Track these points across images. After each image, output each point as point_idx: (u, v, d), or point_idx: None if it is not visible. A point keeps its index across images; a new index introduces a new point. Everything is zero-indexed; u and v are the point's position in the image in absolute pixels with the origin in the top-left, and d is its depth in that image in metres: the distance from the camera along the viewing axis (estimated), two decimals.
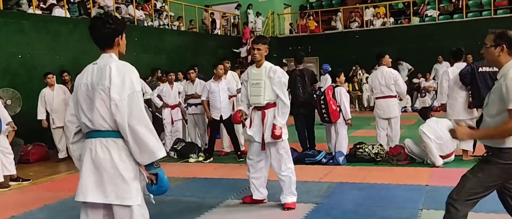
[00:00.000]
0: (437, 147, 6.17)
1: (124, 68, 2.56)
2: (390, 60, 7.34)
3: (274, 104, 4.56)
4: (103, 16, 2.64)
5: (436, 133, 6.19)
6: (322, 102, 6.98)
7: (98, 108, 2.52)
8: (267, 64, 4.59)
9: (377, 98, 7.34)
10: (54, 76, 8.16)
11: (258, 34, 17.30)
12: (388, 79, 7.07)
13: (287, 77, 4.62)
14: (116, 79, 2.49)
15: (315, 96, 7.49)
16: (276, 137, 4.46)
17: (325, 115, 6.98)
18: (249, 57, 14.59)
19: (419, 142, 6.47)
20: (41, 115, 8.04)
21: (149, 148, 2.49)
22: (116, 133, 2.53)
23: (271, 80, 4.48)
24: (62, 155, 8.11)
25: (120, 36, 2.65)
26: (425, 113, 6.62)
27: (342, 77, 7.26)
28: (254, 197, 4.82)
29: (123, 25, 2.68)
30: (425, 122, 6.40)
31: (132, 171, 2.56)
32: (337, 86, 7.08)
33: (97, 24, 2.59)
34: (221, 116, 7.46)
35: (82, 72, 2.68)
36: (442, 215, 2.96)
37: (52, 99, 8.08)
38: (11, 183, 6.39)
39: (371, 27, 17.30)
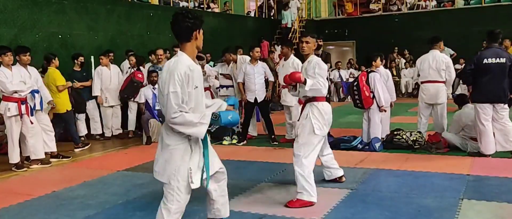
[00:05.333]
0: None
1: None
2: (444, 47, 7.11)
3: (313, 99, 4.39)
4: (183, 11, 2.81)
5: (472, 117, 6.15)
6: (355, 88, 6.81)
7: None
8: (312, 58, 4.52)
9: (423, 82, 7.07)
10: (108, 57, 8.43)
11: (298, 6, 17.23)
12: (439, 63, 6.84)
13: (324, 67, 4.46)
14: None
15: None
16: (294, 77, 4.27)
17: (357, 102, 6.83)
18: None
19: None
20: (98, 92, 8.26)
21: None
22: None
23: (306, 71, 4.46)
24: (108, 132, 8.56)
25: (198, 30, 2.82)
26: (462, 100, 6.57)
27: (379, 61, 7.02)
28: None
29: (201, 20, 2.84)
30: (462, 109, 6.40)
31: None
32: (371, 71, 6.87)
33: (178, 18, 2.77)
34: (255, 99, 7.43)
35: None
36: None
37: (109, 78, 8.32)
38: (52, 160, 6.62)
39: (412, 10, 16.69)
